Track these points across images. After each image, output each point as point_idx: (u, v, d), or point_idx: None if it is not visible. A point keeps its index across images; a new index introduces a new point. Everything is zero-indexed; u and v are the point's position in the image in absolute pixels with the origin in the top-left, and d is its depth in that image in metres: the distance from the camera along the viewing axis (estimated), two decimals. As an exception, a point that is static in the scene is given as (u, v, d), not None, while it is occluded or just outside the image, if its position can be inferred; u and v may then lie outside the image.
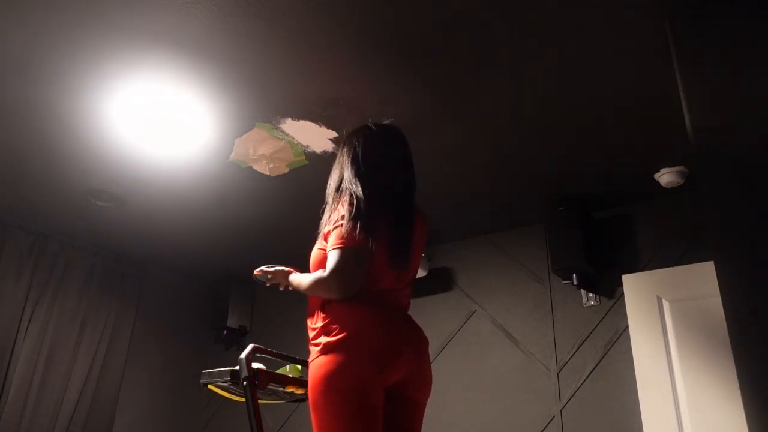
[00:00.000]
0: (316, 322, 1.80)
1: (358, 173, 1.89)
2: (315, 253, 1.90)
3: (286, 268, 2.08)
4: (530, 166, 3.03)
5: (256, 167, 3.03)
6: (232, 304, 4.48)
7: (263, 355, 2.20)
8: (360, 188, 1.84)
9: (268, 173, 3.06)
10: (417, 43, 2.18)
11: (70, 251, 3.93)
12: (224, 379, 2.10)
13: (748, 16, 1.81)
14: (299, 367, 2.37)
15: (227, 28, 2.12)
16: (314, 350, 1.75)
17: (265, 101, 2.54)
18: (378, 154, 1.94)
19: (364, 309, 1.76)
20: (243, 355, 2.05)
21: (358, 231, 1.75)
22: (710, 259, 1.70)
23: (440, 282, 3.82)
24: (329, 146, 2.83)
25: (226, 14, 2.05)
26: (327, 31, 2.13)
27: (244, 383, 2.01)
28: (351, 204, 1.81)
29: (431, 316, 3.73)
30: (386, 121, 2.06)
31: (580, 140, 2.79)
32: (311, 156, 2.92)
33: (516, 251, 3.66)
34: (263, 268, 2.13)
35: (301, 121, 2.67)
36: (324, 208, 1.95)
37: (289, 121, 2.67)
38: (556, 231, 3.28)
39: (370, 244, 1.77)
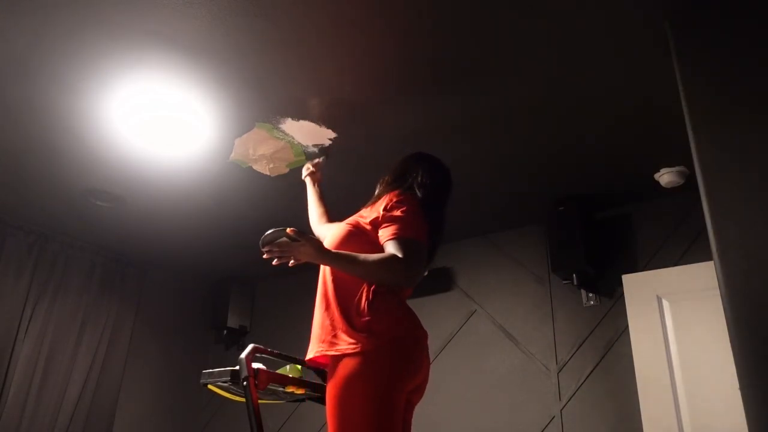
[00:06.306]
0: (353, 319, 1.74)
1: (424, 182, 2.02)
2: (342, 228, 1.93)
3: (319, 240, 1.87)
4: (530, 166, 3.03)
5: (256, 167, 3.02)
6: (232, 304, 4.48)
7: (263, 355, 2.20)
8: (425, 190, 2.00)
9: (268, 173, 3.06)
10: (417, 43, 2.18)
11: (70, 251, 3.93)
12: (224, 379, 2.10)
13: (748, 16, 1.81)
14: (299, 367, 2.37)
15: (227, 28, 2.12)
16: (347, 347, 1.71)
17: (265, 101, 2.54)
18: (439, 176, 2.10)
19: (404, 313, 1.81)
20: (243, 355, 2.05)
21: (424, 229, 1.86)
22: (710, 259, 1.70)
23: (440, 282, 3.81)
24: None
25: (226, 14, 2.05)
26: (327, 31, 2.13)
27: (244, 383, 2.01)
28: (415, 201, 1.91)
29: (431, 316, 3.72)
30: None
31: (580, 140, 2.79)
32: (311, 156, 2.91)
33: (516, 251, 3.66)
34: (294, 229, 1.75)
35: (301, 121, 2.67)
36: (383, 185, 2.08)
37: (289, 121, 2.67)
38: (556, 231, 3.28)
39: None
